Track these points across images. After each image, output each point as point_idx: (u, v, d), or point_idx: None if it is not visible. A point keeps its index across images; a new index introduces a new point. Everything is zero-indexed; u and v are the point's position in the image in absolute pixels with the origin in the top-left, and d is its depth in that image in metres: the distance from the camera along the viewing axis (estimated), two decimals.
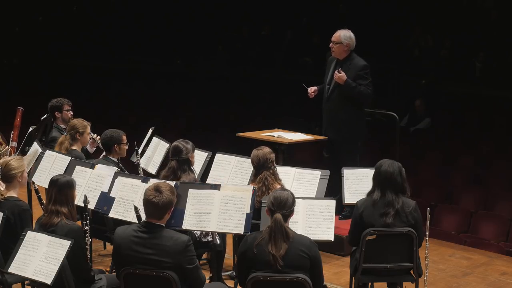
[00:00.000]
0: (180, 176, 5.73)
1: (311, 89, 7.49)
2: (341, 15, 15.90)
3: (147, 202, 4.53)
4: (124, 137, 6.45)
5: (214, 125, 12.92)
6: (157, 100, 15.10)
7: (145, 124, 9.33)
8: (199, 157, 6.51)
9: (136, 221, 5.19)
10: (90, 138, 6.89)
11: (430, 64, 13.98)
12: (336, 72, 7.21)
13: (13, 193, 5.31)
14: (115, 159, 6.40)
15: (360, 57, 7.36)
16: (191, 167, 5.86)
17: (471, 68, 13.86)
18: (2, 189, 5.33)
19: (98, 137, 6.94)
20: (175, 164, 5.80)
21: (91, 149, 7.03)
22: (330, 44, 7.35)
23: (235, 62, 16.50)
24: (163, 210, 4.53)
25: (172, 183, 5.11)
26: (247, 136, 7.36)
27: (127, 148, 6.52)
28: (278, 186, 5.69)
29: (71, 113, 7.39)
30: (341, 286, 6.36)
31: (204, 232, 5.69)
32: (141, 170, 6.62)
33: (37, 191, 5.67)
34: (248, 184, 6.08)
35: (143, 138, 7.11)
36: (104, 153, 6.63)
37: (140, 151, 6.90)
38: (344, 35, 7.28)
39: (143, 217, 4.68)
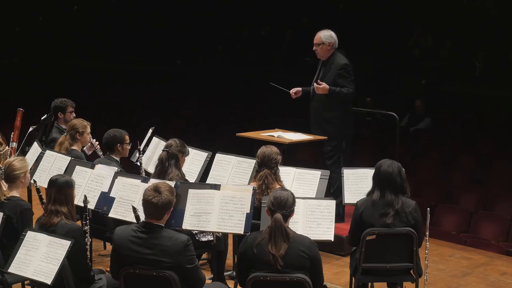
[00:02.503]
0: (166, 169, 5.77)
1: (293, 90, 7.49)
2: (341, 15, 15.91)
3: (146, 202, 4.54)
4: (127, 137, 6.47)
5: (214, 125, 12.92)
6: (157, 100, 15.11)
7: (145, 124, 9.33)
8: (199, 157, 6.51)
9: (135, 221, 5.19)
10: (89, 142, 6.90)
11: (430, 64, 14.00)
12: (315, 85, 7.25)
13: (15, 193, 5.33)
14: (117, 159, 6.41)
15: (361, 56, 7.37)
16: (178, 166, 5.88)
17: (471, 68, 13.87)
18: (4, 189, 5.34)
19: (97, 142, 6.95)
20: (164, 155, 5.85)
21: (88, 152, 7.03)
22: (314, 48, 7.36)
23: (235, 62, 16.50)
24: (162, 210, 4.53)
25: (172, 183, 5.12)
26: (247, 136, 7.36)
27: (129, 148, 6.53)
28: (278, 186, 5.69)
29: (74, 115, 7.38)
30: (341, 286, 6.36)
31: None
32: (143, 170, 6.64)
33: (38, 190, 5.67)
34: (249, 182, 6.09)
35: (143, 138, 7.12)
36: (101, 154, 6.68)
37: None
38: (324, 35, 7.30)
39: (142, 217, 4.68)
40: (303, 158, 9.81)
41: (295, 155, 7.46)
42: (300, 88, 7.51)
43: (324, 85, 7.21)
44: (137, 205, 5.22)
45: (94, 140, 6.98)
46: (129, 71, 17.52)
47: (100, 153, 6.81)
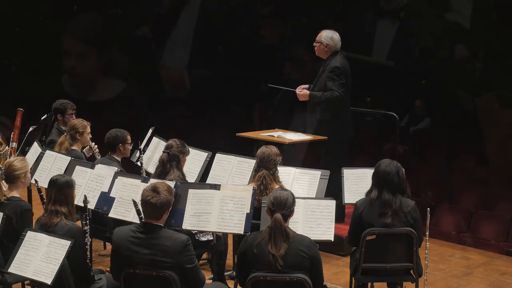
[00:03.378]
0: (168, 170, 5.77)
1: (299, 89, 7.40)
2: (340, 15, 15.89)
3: (144, 202, 4.54)
4: (129, 137, 6.48)
5: (214, 125, 12.91)
6: (157, 100, 15.08)
7: (145, 124, 9.33)
8: (199, 157, 6.52)
9: (137, 217, 5.18)
10: (89, 144, 6.90)
11: (430, 64, 13.97)
12: (297, 92, 7.27)
13: (15, 194, 5.33)
14: (118, 159, 6.42)
15: (360, 56, 7.36)
16: (180, 167, 5.87)
17: (471, 68, 13.84)
18: (5, 189, 5.34)
19: (96, 146, 6.96)
20: (165, 157, 5.85)
21: (87, 154, 7.03)
22: (314, 43, 7.35)
23: (235, 62, 16.48)
24: (160, 210, 4.53)
25: (171, 183, 5.12)
26: (247, 136, 7.36)
27: (131, 148, 6.54)
28: (277, 186, 5.69)
29: (74, 117, 7.36)
30: (341, 286, 6.36)
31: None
32: (144, 170, 6.64)
33: (39, 190, 5.67)
34: (249, 182, 6.09)
35: (143, 138, 7.12)
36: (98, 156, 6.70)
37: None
38: (325, 35, 7.27)
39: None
40: (303, 158, 9.81)
41: (295, 155, 7.46)
42: (306, 86, 7.42)
43: (304, 91, 7.23)
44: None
45: (93, 143, 6.97)
46: (128, 70, 17.49)
47: (98, 157, 6.81)
